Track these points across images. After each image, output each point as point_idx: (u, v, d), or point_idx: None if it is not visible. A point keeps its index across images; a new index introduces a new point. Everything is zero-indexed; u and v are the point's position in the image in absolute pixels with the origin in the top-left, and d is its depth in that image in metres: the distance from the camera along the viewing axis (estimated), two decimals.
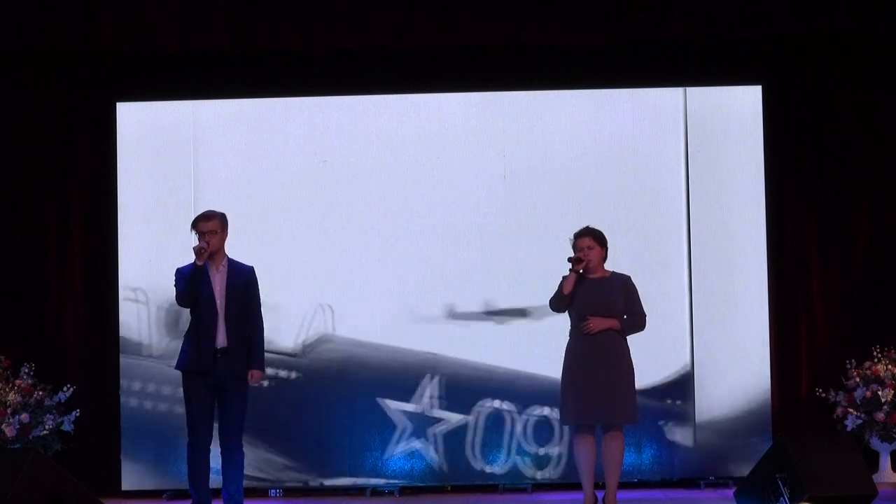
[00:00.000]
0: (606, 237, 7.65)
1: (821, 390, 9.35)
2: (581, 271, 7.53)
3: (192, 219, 7.59)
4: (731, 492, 8.30)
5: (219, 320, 7.41)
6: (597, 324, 7.47)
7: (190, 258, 7.48)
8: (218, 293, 7.43)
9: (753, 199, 9.43)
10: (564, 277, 7.59)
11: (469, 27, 9.13)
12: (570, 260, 7.50)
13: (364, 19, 9.11)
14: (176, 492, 9.14)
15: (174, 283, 7.50)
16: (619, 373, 7.49)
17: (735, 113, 9.49)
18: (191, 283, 7.35)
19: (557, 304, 7.58)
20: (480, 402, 9.37)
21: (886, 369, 9.25)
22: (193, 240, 7.50)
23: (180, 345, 7.59)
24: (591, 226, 7.66)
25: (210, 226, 7.43)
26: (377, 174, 9.49)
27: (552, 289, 7.59)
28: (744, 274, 9.40)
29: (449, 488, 9.42)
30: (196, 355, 7.41)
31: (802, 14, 9.02)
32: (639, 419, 7.75)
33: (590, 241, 7.57)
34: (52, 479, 6.76)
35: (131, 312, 9.39)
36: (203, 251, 7.32)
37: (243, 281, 7.52)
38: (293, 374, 9.41)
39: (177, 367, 7.53)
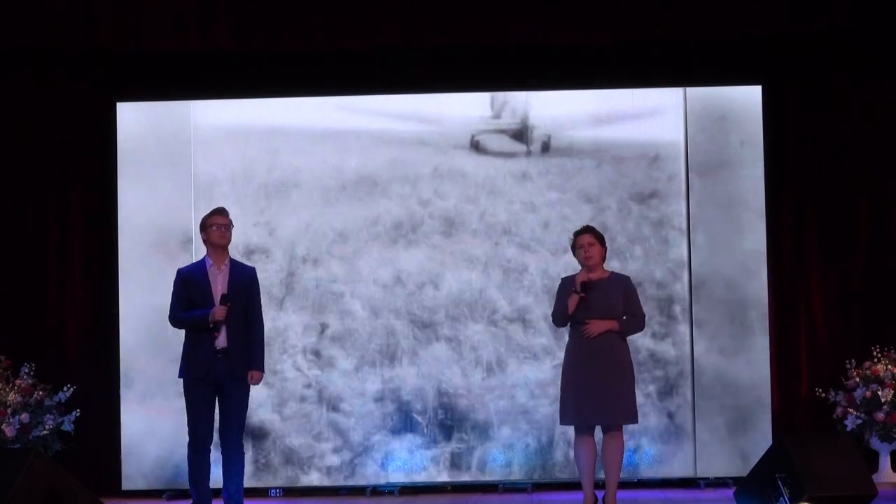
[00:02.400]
0: (605, 237, 7.67)
1: (821, 390, 9.35)
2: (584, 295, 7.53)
3: (197, 220, 7.58)
4: (731, 492, 8.30)
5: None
6: (596, 327, 7.47)
7: (189, 258, 7.48)
8: (219, 294, 7.42)
9: (753, 199, 9.43)
10: (563, 279, 7.62)
11: (469, 27, 9.13)
12: (579, 284, 7.48)
13: (364, 19, 9.12)
14: (176, 492, 9.15)
15: (174, 289, 7.50)
16: (618, 373, 7.49)
17: (735, 113, 9.49)
18: (193, 326, 7.37)
19: (559, 320, 7.63)
20: None
21: (886, 369, 9.25)
22: (197, 239, 7.49)
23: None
24: (591, 224, 7.68)
25: (226, 219, 7.48)
26: (377, 174, 9.48)
27: (554, 289, 7.59)
28: (744, 274, 9.39)
29: (449, 488, 9.42)
30: (197, 359, 7.41)
31: (802, 14, 9.03)
32: (638, 419, 7.75)
33: (590, 238, 7.58)
34: (52, 479, 6.76)
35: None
36: (220, 324, 7.34)
37: (246, 282, 7.52)
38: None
39: (180, 376, 7.53)
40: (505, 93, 9.42)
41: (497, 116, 9.14)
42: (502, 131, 9.15)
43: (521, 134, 9.08)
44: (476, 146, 8.88)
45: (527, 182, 9.35)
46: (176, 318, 7.51)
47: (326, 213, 9.48)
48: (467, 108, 9.44)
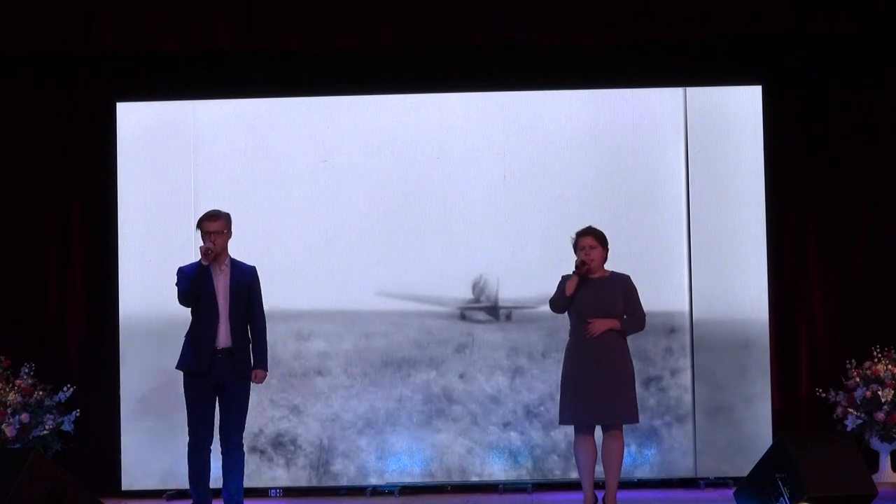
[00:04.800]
0: (607, 237, 7.66)
1: (821, 390, 9.35)
2: (583, 273, 7.52)
3: (197, 218, 7.56)
4: (731, 492, 8.29)
5: (220, 320, 7.40)
6: (598, 326, 7.46)
7: (190, 258, 7.47)
8: (220, 293, 7.41)
9: (753, 199, 9.43)
10: (564, 277, 7.60)
11: (469, 27, 9.14)
12: (577, 264, 7.49)
13: (364, 19, 9.13)
14: (176, 492, 9.14)
15: (176, 282, 7.49)
16: (618, 372, 7.49)
17: (735, 113, 9.49)
18: (194, 282, 7.33)
19: (558, 305, 7.58)
20: None
21: (886, 369, 9.25)
22: (196, 239, 7.48)
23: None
24: (594, 226, 7.67)
25: (216, 226, 7.41)
26: (377, 174, 9.49)
27: (552, 289, 7.60)
28: (744, 274, 9.39)
29: (449, 488, 9.42)
30: (195, 355, 7.40)
31: (802, 14, 9.04)
32: (639, 419, 7.75)
33: (592, 241, 7.57)
34: (52, 479, 6.75)
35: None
36: (209, 252, 7.30)
37: (247, 281, 7.51)
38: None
39: (177, 367, 7.53)
40: (482, 281, 9.41)
41: (477, 300, 9.41)
42: (482, 309, 9.41)
43: (492, 309, 9.40)
44: (463, 317, 9.40)
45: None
46: (181, 293, 7.43)
47: (351, 398, 9.44)
48: (458, 293, 9.40)
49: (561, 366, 7.63)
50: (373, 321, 9.43)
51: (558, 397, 7.70)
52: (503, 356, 9.40)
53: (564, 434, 9.09)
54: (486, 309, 9.43)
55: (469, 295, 9.44)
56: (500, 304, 9.44)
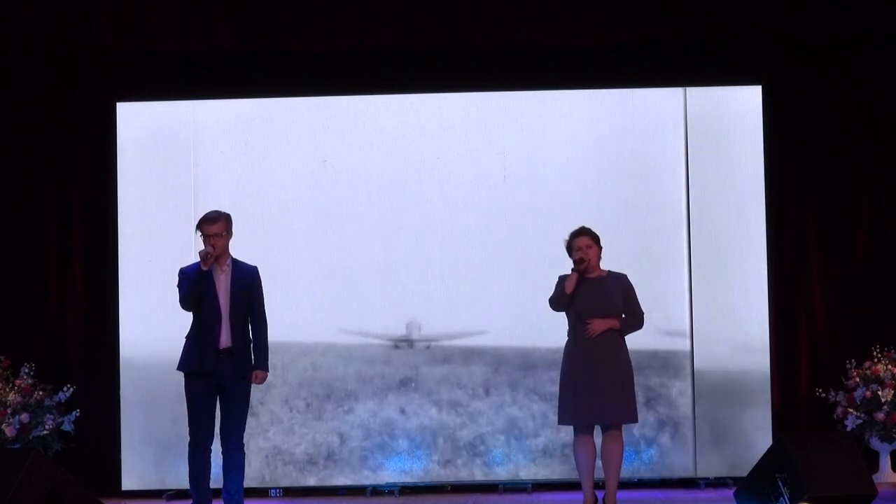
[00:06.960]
0: (601, 237, 7.65)
1: (821, 390, 9.35)
2: (582, 271, 7.53)
3: (197, 220, 7.53)
4: (731, 492, 8.30)
5: (222, 321, 7.38)
6: (598, 326, 7.46)
7: (190, 258, 7.45)
8: (222, 294, 7.39)
9: (753, 198, 9.43)
10: (561, 277, 7.59)
11: (469, 27, 9.14)
12: (574, 261, 7.49)
13: (364, 19, 9.14)
14: (176, 492, 9.14)
15: (177, 283, 7.48)
16: (618, 372, 7.48)
17: (735, 113, 9.49)
18: (194, 286, 7.32)
19: (558, 303, 7.57)
20: None
21: (886, 369, 9.25)
22: (196, 239, 7.47)
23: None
24: (586, 226, 7.67)
25: (215, 228, 7.36)
26: (377, 174, 9.49)
27: (551, 289, 7.60)
28: (744, 274, 9.40)
29: (449, 488, 9.42)
30: (197, 356, 7.39)
31: (802, 14, 9.04)
32: (638, 418, 7.75)
33: (588, 240, 7.56)
34: (52, 479, 6.75)
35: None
36: (209, 256, 7.28)
37: (248, 281, 7.49)
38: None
39: (178, 369, 7.52)
40: (414, 320, 9.47)
41: (409, 336, 9.47)
42: (405, 341, 9.43)
43: (409, 341, 9.43)
44: (397, 347, 9.46)
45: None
46: (182, 297, 7.42)
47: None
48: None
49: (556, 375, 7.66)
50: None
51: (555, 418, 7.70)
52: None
53: (563, 435, 9.10)
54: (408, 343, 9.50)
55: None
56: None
